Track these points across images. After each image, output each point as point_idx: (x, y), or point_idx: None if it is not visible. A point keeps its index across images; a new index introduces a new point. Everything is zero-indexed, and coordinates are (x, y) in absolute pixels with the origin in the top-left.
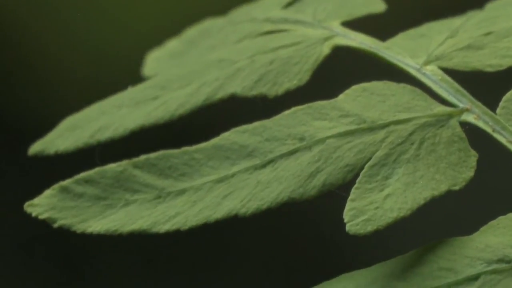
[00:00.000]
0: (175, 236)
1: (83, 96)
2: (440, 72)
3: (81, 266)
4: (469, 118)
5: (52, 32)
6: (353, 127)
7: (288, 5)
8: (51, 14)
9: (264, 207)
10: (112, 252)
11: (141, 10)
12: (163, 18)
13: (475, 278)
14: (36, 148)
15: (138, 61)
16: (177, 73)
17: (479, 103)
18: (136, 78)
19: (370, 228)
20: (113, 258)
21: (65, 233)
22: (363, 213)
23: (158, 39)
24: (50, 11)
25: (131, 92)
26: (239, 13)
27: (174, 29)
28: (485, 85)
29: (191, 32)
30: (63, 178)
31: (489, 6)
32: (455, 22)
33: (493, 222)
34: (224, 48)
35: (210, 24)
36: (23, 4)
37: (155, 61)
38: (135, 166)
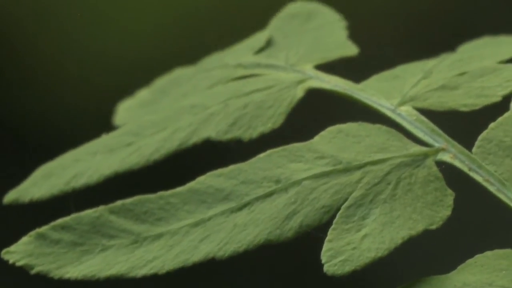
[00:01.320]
0: None
1: (81, 97)
2: (415, 112)
3: None
4: (445, 157)
5: (50, 34)
6: (329, 168)
7: (260, 50)
8: (48, 16)
9: (241, 249)
10: None
11: (140, 13)
12: (161, 20)
13: None
14: (11, 196)
15: (136, 63)
16: (150, 120)
17: (455, 142)
18: (135, 79)
19: (348, 268)
20: None
21: None
22: (340, 254)
23: (157, 41)
24: (48, 13)
25: (105, 139)
26: (210, 60)
27: (171, 30)
28: (460, 125)
29: (161, 81)
30: (39, 224)
31: (461, 48)
32: (428, 63)
33: (470, 261)
34: (196, 94)
35: (180, 72)
36: (21, 6)
37: (125, 111)
38: (111, 211)
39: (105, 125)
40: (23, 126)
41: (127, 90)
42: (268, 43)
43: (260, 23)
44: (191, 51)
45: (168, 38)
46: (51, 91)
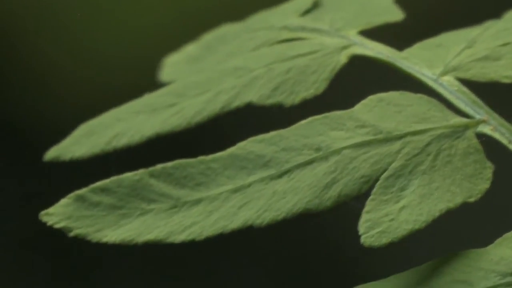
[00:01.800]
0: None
1: (83, 98)
2: (457, 83)
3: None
4: (486, 129)
5: (50, 34)
6: (369, 137)
7: (306, 12)
8: (48, 15)
9: (280, 217)
10: (114, 252)
11: (141, 12)
12: (163, 19)
13: None
14: (51, 154)
15: (137, 62)
16: (194, 81)
17: (496, 115)
18: (136, 80)
19: (385, 240)
20: (114, 258)
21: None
22: (378, 225)
23: (158, 40)
24: (48, 12)
25: (148, 99)
26: (256, 20)
27: (174, 31)
28: (502, 96)
29: (208, 37)
30: (79, 186)
31: (507, 16)
32: (472, 32)
33: (508, 235)
34: (241, 56)
35: (227, 30)
36: (22, 6)
37: (172, 66)
38: (152, 175)
39: None
40: (23, 126)
41: (128, 89)
42: (314, 5)
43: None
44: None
45: (170, 37)
46: (51, 91)
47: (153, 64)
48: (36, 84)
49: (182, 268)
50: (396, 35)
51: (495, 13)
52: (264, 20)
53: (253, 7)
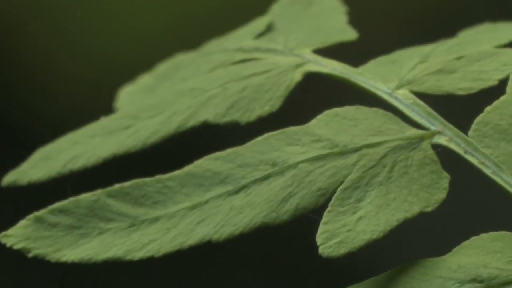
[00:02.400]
0: None
1: (82, 97)
2: (411, 96)
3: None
4: (441, 140)
5: (50, 34)
6: (325, 151)
7: (260, 35)
8: (48, 15)
9: (237, 232)
10: None
11: (140, 12)
12: (162, 18)
13: None
14: (9, 178)
15: (137, 62)
16: (148, 103)
17: (451, 126)
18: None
19: (343, 250)
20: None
21: None
22: (335, 236)
23: (159, 40)
24: (48, 12)
25: (104, 122)
26: (211, 46)
27: (172, 31)
28: (457, 108)
29: (163, 67)
30: (37, 208)
31: (461, 34)
32: (426, 48)
33: (465, 243)
34: (196, 78)
35: (181, 58)
36: (22, 6)
37: (127, 96)
38: (109, 195)
39: None
40: (23, 126)
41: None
42: (269, 28)
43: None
44: (193, 48)
45: (170, 36)
46: (51, 91)
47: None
48: (35, 84)
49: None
50: (350, 54)
51: (450, 32)
52: (218, 45)
53: (253, 7)
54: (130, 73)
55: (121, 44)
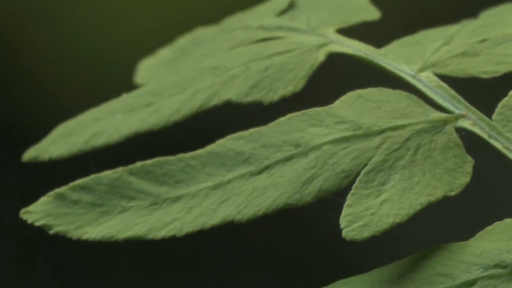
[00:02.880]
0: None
1: (81, 99)
2: (435, 78)
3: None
4: (465, 124)
5: (49, 34)
6: (348, 133)
7: (282, 12)
8: (48, 15)
9: (260, 213)
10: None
11: (140, 12)
12: (163, 19)
13: (472, 283)
14: (30, 154)
15: (137, 62)
16: (171, 80)
17: (475, 109)
18: (132, 82)
19: (366, 234)
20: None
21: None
22: (359, 219)
23: (158, 40)
24: (47, 12)
25: (125, 99)
26: (232, 21)
27: (174, 31)
28: (481, 92)
29: (183, 41)
30: (59, 184)
31: (483, 15)
32: (449, 29)
33: (489, 228)
34: (217, 56)
35: (201, 32)
36: (21, 7)
37: (147, 70)
38: (131, 173)
39: None
40: (23, 126)
41: (128, 89)
42: (290, 5)
43: None
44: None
45: (170, 37)
46: (50, 91)
47: None
48: (35, 85)
49: (172, 264)
50: (373, 34)
51: (472, 12)
52: (239, 21)
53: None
54: (130, 73)
55: (121, 44)
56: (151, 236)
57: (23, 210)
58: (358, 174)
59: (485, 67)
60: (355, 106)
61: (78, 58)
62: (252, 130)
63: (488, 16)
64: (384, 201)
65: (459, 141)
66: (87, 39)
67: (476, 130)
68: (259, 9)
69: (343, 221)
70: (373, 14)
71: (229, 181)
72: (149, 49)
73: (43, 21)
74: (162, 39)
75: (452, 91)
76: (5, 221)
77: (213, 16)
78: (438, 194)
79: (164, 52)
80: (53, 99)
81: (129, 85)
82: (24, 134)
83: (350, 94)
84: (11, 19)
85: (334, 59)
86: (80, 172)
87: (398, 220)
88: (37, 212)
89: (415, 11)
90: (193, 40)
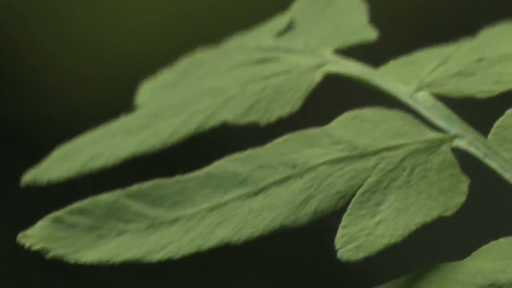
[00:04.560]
0: None
1: (84, 95)
2: (431, 98)
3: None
4: (461, 143)
5: (51, 32)
6: (344, 154)
7: (281, 33)
8: (49, 12)
9: (256, 234)
10: None
11: (142, 9)
12: (164, 16)
13: None
14: (28, 177)
15: (139, 60)
16: (169, 102)
17: (471, 129)
18: (138, 77)
19: (361, 254)
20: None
21: None
22: (354, 240)
23: (160, 37)
24: (49, 9)
25: (123, 121)
26: (231, 43)
27: (177, 29)
28: (477, 111)
29: (184, 63)
30: (56, 208)
31: (482, 34)
32: (446, 49)
33: (484, 247)
34: (215, 77)
35: (202, 54)
36: (23, 4)
37: (147, 91)
38: (128, 195)
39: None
40: (24, 125)
41: (129, 88)
42: (289, 27)
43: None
44: (196, 45)
45: (172, 34)
46: (52, 89)
47: (156, 63)
48: (38, 83)
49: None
50: (371, 53)
51: (469, 32)
52: (238, 42)
53: (251, 5)
54: (132, 71)
55: (124, 41)
56: (147, 259)
57: (20, 234)
58: (353, 194)
59: (481, 86)
60: (351, 127)
61: (81, 56)
62: (249, 151)
63: (486, 35)
64: (379, 222)
65: (454, 161)
66: (90, 37)
67: (472, 149)
68: (258, 30)
69: (338, 242)
70: (371, 34)
71: (225, 203)
72: (153, 47)
73: (45, 18)
74: (167, 36)
75: (448, 111)
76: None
77: (216, 14)
78: (434, 214)
79: (165, 75)
80: (56, 97)
81: (131, 84)
82: (30, 133)
83: (346, 114)
84: (13, 16)
85: (331, 79)
86: (77, 195)
87: (393, 240)
88: (35, 236)
89: (413, 31)
90: (194, 62)
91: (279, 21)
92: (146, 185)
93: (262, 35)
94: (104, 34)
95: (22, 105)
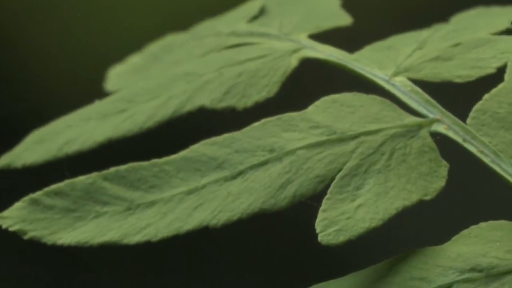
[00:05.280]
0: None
1: (82, 97)
2: (409, 83)
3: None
4: (440, 128)
5: (51, 33)
6: (323, 138)
7: (253, 18)
8: (49, 14)
9: (235, 218)
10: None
11: (140, 9)
12: (162, 16)
13: (447, 287)
14: (3, 161)
15: None
16: (143, 87)
17: (449, 113)
18: None
19: (342, 238)
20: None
21: None
22: (334, 224)
23: (159, 37)
24: (47, 10)
25: (98, 106)
26: (203, 28)
27: (173, 30)
28: (455, 96)
29: (153, 47)
30: (33, 190)
31: (454, 19)
32: (422, 34)
33: (464, 232)
34: (189, 62)
35: (172, 39)
36: (22, 4)
37: (117, 76)
38: (105, 178)
39: None
40: (23, 125)
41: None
42: (261, 11)
43: None
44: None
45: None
46: (51, 89)
47: None
48: (35, 82)
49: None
50: (344, 39)
51: (443, 16)
52: (210, 28)
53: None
54: None
55: (122, 42)
56: (125, 241)
57: None
58: (333, 179)
59: (459, 71)
60: (330, 111)
61: (77, 55)
62: (225, 135)
63: (459, 20)
64: (359, 206)
65: (433, 145)
66: (89, 37)
67: (450, 134)
68: (230, 15)
69: (318, 226)
70: (344, 19)
71: (203, 186)
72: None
73: (42, 18)
74: (163, 34)
75: (426, 96)
76: None
77: (216, 13)
78: (413, 198)
79: (134, 59)
80: (52, 95)
81: None
82: (25, 133)
83: (324, 99)
84: (12, 16)
85: (307, 64)
86: (54, 177)
87: (373, 224)
88: (12, 218)
89: (386, 16)
90: (163, 46)
91: (251, 6)
92: (123, 168)
93: (234, 20)
94: (104, 34)
95: (20, 104)
